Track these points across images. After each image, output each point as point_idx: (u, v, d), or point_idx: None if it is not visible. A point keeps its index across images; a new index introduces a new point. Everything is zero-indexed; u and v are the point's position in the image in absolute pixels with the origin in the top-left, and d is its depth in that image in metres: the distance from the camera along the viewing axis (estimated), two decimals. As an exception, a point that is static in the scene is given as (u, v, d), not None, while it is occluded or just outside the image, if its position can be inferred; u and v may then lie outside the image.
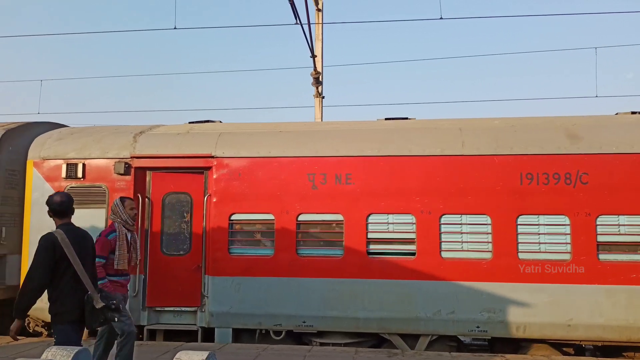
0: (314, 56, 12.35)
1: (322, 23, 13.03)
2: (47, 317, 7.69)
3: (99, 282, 5.34)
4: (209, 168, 7.66)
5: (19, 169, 8.42)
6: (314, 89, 13.06)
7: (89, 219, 7.70)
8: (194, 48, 51.24)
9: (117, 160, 7.72)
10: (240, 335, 7.48)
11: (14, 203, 8.31)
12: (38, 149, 7.99)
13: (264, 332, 7.38)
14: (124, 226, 5.60)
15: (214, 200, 7.51)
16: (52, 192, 7.74)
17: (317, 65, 12.66)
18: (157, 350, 6.90)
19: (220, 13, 51.52)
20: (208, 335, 7.54)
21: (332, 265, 7.18)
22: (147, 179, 7.83)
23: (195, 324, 7.56)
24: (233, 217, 7.46)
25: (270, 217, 7.39)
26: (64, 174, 7.78)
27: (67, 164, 7.79)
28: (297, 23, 10.41)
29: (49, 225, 7.80)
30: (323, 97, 13.19)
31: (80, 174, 7.77)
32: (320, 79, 12.90)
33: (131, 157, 7.72)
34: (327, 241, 7.30)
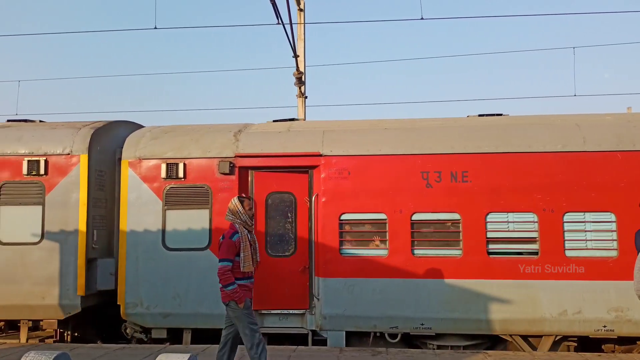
0: (296, 56, 12.32)
1: (304, 23, 12.98)
2: (146, 323, 7.49)
3: (228, 288, 5.14)
4: (314, 167, 7.46)
5: (106, 170, 8.18)
6: (296, 88, 13.02)
7: (192, 220, 7.48)
8: (174, 48, 51.02)
9: (221, 159, 7.49)
10: (351, 338, 7.29)
11: (102, 205, 8.07)
12: (133, 148, 7.75)
13: (378, 335, 7.19)
14: (244, 227, 5.38)
15: (323, 200, 7.30)
16: (149, 192, 7.55)
17: (299, 65, 12.62)
18: (140, 354, 6.80)
19: (201, 13, 51.41)
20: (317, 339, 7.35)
21: (451, 265, 7.00)
22: (250, 178, 7.61)
23: (303, 327, 7.35)
24: (343, 217, 7.26)
25: (383, 216, 7.20)
26: (163, 174, 7.55)
27: (167, 164, 7.56)
28: (279, 23, 10.37)
29: (145, 226, 7.61)
30: (306, 97, 13.14)
31: (181, 174, 7.54)
32: (303, 79, 12.86)
33: (235, 157, 7.50)
34: (444, 241, 7.12)
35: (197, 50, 52.72)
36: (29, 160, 7.74)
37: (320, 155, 7.38)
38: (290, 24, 10.95)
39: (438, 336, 7.14)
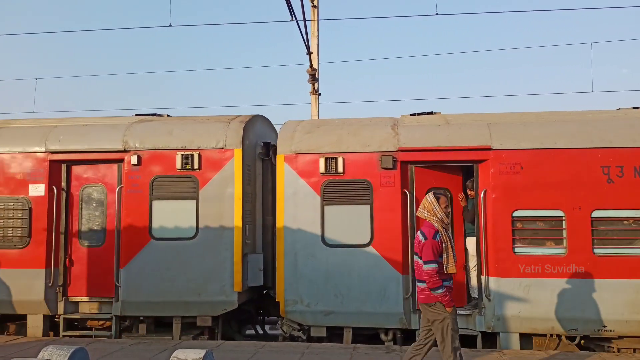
0: (309, 53, 12.15)
1: (318, 20, 12.80)
2: (306, 321, 7.31)
3: (438, 291, 4.88)
4: (481, 161, 7.16)
5: (251, 164, 8.04)
6: (310, 85, 12.83)
7: (352, 216, 7.27)
8: (188, 46, 51.21)
9: (383, 153, 7.25)
10: (523, 340, 6.97)
11: (249, 199, 7.93)
12: (288, 143, 7.56)
13: (554, 337, 6.87)
14: (441, 225, 5.09)
15: (493, 196, 7.00)
16: (307, 187, 7.36)
17: (313, 62, 12.47)
18: (155, 349, 6.67)
19: (216, 11, 51.49)
20: (487, 339, 7.07)
21: (636, 264, 6.63)
22: (409, 174, 7.35)
23: (470, 328, 7.08)
24: (516, 214, 6.94)
25: (559, 213, 6.85)
26: (322, 169, 7.34)
27: (326, 158, 7.35)
28: (292, 20, 10.23)
29: (303, 222, 7.42)
30: (319, 94, 12.96)
31: (340, 169, 7.32)
32: (317, 76, 12.72)
33: (398, 151, 7.25)
34: (628, 239, 6.74)
35: (210, 48, 53.00)
36: (183, 155, 7.63)
37: (490, 149, 7.07)
38: (304, 20, 10.81)
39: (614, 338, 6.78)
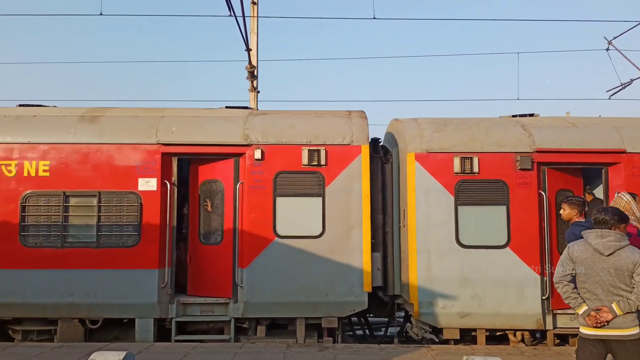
0: (248, 50, 12.12)
1: (258, 16, 12.85)
2: (439, 323, 7.20)
3: None
4: (612, 164, 7.29)
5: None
6: (249, 83, 12.89)
7: (487, 217, 7.22)
8: (121, 36, 49.97)
9: (520, 154, 7.23)
10: None
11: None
12: (418, 141, 7.40)
13: None
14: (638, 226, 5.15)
15: (627, 198, 7.13)
16: (439, 187, 7.27)
17: (252, 59, 12.50)
18: (79, 352, 6.50)
19: (152, 1, 50.51)
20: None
21: None
22: (543, 175, 7.37)
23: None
24: (650, 217, 7.10)
25: (691, 216, 7.06)
26: (457, 169, 7.24)
27: (461, 158, 7.25)
28: (231, 15, 10.13)
29: (436, 222, 7.27)
30: (258, 92, 13.05)
31: (475, 169, 7.25)
32: (255, 73, 12.75)
33: (535, 152, 7.25)
34: None
35: (145, 39, 51.71)
36: (309, 150, 7.31)
37: (624, 152, 7.20)
38: (243, 16, 10.65)
39: None
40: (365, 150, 7.39)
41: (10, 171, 7.23)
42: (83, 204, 7.25)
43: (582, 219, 5.47)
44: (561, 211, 5.68)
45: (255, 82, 12.74)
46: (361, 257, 7.26)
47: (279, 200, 7.31)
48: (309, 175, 7.35)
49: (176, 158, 7.47)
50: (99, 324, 7.25)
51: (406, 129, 7.61)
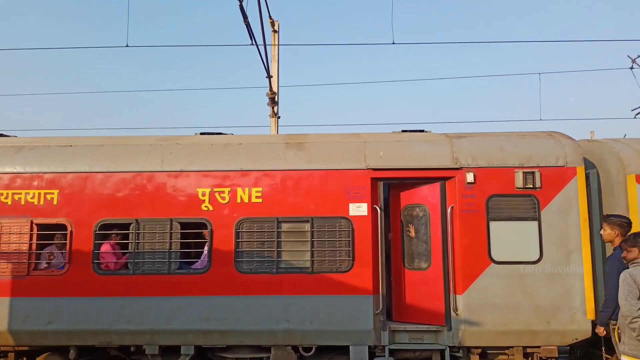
0: (269, 77, 12.40)
1: (279, 45, 13.13)
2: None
3: None
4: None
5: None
6: (269, 108, 13.08)
7: None
8: (145, 67, 51.38)
9: None
10: None
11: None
12: (638, 162, 7.17)
13: None
14: None
15: None
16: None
17: (272, 86, 12.71)
18: None
19: (176, 33, 52.03)
20: None
21: None
22: None
23: None
24: None
25: None
26: (684, 190, 6.93)
27: (689, 178, 6.94)
28: (252, 44, 10.45)
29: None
30: (279, 117, 13.19)
31: None
32: (276, 99, 12.94)
33: None
34: None
35: (169, 69, 53.27)
36: (524, 172, 7.16)
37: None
38: (264, 45, 10.98)
39: None
40: (581, 172, 7.18)
41: (223, 198, 7.37)
42: (296, 229, 7.29)
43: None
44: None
45: (276, 108, 13.14)
46: (582, 282, 6.98)
47: (492, 224, 7.15)
48: (522, 199, 7.18)
49: (381, 183, 7.45)
50: (312, 352, 7.19)
51: (619, 150, 7.36)
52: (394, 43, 10.98)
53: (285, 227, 7.30)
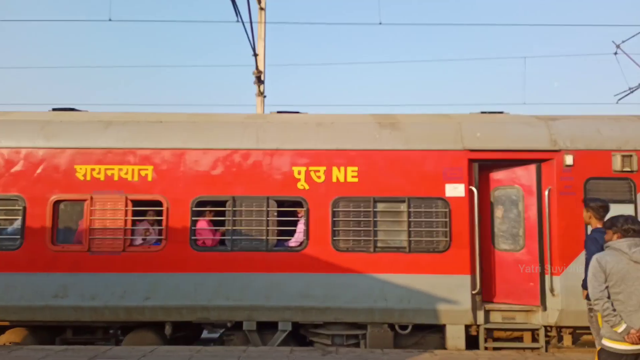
0: (255, 55, 12.26)
1: (265, 22, 12.88)
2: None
3: None
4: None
5: None
6: (255, 87, 12.99)
7: None
8: (129, 42, 50.91)
9: None
10: None
11: None
12: None
13: None
14: None
15: None
16: None
17: (259, 64, 12.57)
18: (83, 356, 6.44)
19: (160, 7, 51.39)
20: None
21: None
22: None
23: None
24: None
25: None
26: None
27: None
28: (238, 21, 10.32)
29: None
30: (265, 96, 13.07)
31: None
32: (262, 78, 12.81)
33: None
34: None
35: (153, 45, 52.81)
36: (622, 156, 7.19)
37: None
38: (251, 22, 10.82)
39: None
40: (678, 156, 7.22)
41: (319, 177, 7.36)
42: (392, 209, 7.31)
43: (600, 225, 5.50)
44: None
45: (262, 87, 13.00)
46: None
47: (591, 206, 7.18)
48: (619, 182, 7.22)
49: (477, 164, 7.46)
50: (408, 330, 7.26)
51: None
52: (380, 23, 11.59)
53: (381, 206, 7.32)
